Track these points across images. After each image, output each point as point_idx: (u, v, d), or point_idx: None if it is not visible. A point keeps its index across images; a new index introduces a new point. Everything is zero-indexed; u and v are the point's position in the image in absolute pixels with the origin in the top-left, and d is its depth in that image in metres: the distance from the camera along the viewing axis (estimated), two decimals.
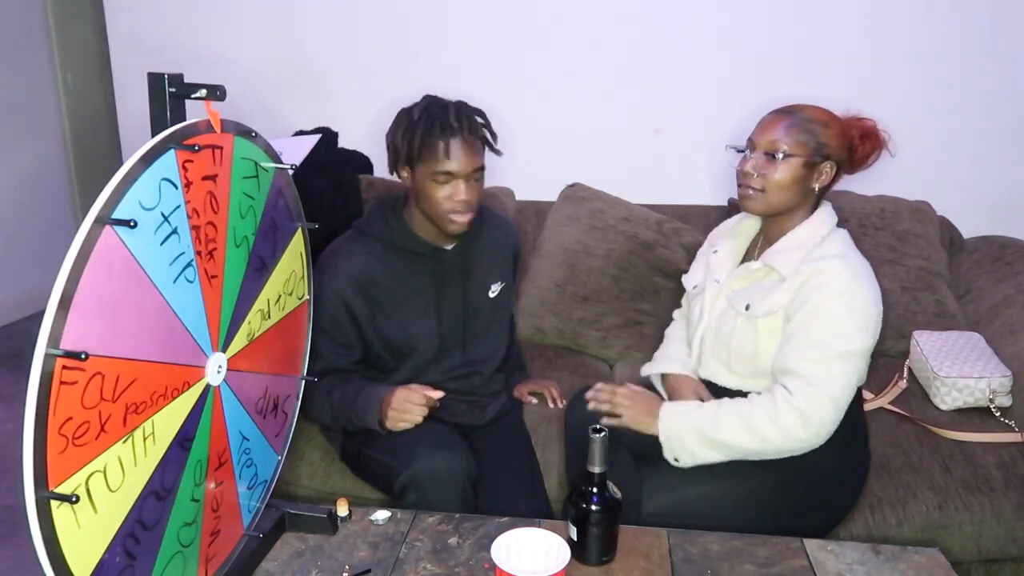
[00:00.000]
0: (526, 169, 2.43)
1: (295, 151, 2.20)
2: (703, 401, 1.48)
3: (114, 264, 0.78)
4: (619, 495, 1.16)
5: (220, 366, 1.00)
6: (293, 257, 1.19)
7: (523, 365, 1.96)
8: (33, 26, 3.56)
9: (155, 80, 0.92)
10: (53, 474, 0.73)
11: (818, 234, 1.43)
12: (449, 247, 1.60)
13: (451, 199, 1.46)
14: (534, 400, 1.85)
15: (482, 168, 1.49)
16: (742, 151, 1.46)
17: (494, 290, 1.67)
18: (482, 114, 1.51)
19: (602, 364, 2.18)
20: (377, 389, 1.51)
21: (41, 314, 0.71)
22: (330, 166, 2.30)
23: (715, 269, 1.57)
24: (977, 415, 1.80)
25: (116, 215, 0.78)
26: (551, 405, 1.84)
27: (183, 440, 0.93)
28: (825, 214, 1.47)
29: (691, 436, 1.39)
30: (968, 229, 2.38)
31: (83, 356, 0.72)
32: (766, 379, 1.44)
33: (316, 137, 2.34)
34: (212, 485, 1.02)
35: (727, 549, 1.21)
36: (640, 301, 2.21)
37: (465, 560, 1.18)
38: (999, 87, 2.34)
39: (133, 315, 0.82)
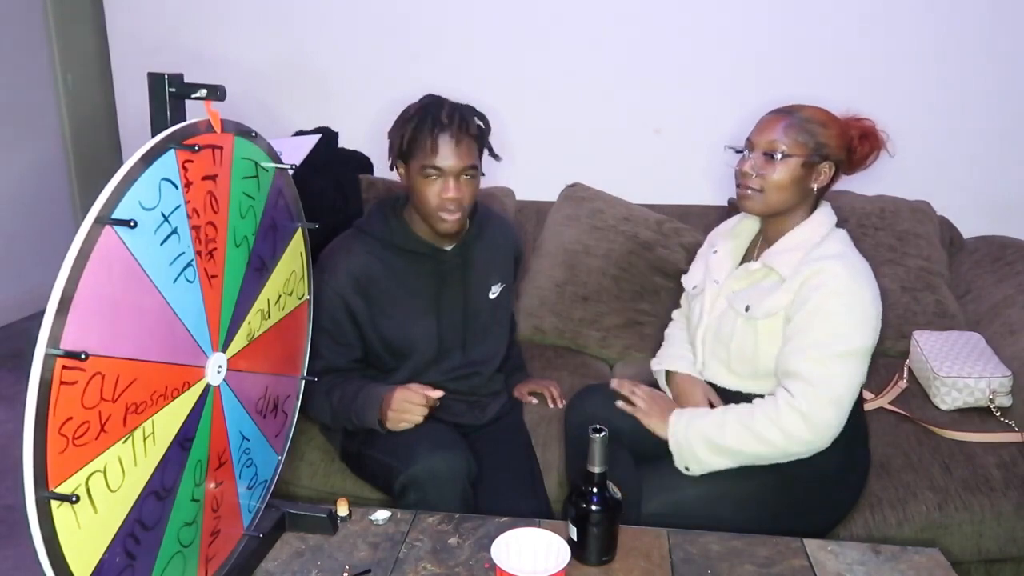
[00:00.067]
0: (526, 169, 2.44)
1: (295, 151, 2.20)
2: (713, 406, 1.48)
3: (114, 264, 0.78)
4: (619, 495, 1.16)
5: (220, 366, 1.00)
6: (293, 257, 1.19)
7: (523, 365, 1.96)
8: (33, 26, 3.56)
9: (155, 80, 0.92)
10: (53, 474, 0.73)
11: (817, 234, 1.43)
12: (449, 248, 1.60)
13: (440, 196, 1.46)
14: (534, 400, 1.85)
15: (474, 167, 1.48)
16: (740, 151, 1.46)
17: (494, 291, 1.67)
18: (483, 118, 1.51)
19: (602, 364, 2.18)
20: (376, 389, 1.51)
21: (41, 314, 0.71)
22: (330, 166, 2.30)
23: (714, 269, 1.57)
24: (977, 415, 1.80)
25: (116, 215, 0.78)
26: (551, 405, 1.84)
27: (183, 440, 0.93)
28: (824, 214, 1.46)
29: (700, 443, 1.39)
30: (968, 229, 2.38)
31: (83, 356, 0.72)
32: (766, 380, 1.44)
33: (316, 137, 2.34)
34: (212, 485, 1.02)
35: (727, 549, 1.21)
36: (640, 301, 2.22)
37: (465, 560, 1.18)
38: (999, 87, 2.34)
39: (133, 315, 0.82)
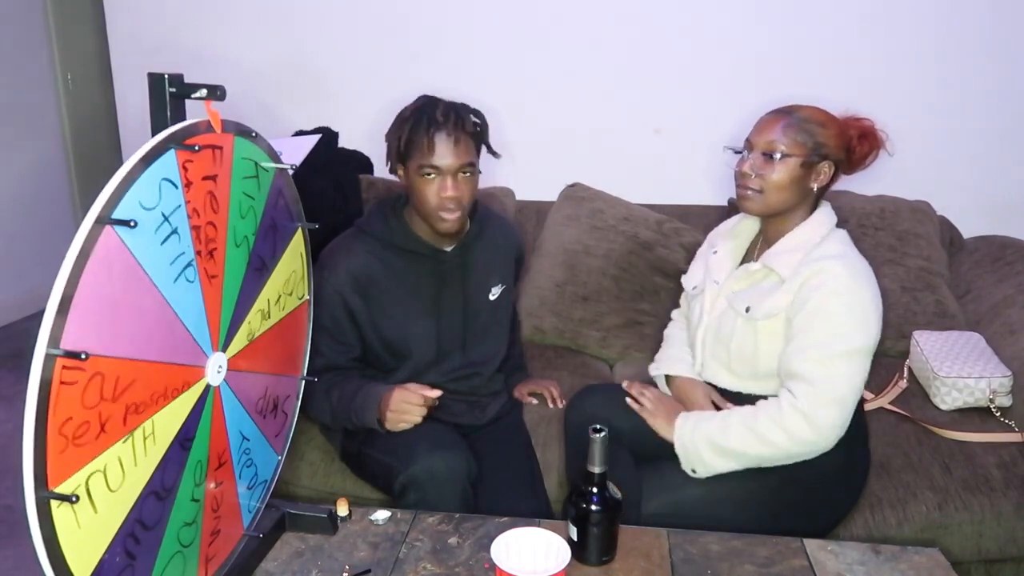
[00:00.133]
0: (526, 169, 2.44)
1: (295, 151, 2.20)
2: (717, 407, 1.48)
3: (114, 264, 0.78)
4: (619, 495, 1.16)
5: (220, 366, 1.00)
6: (293, 257, 1.19)
7: (524, 365, 1.96)
8: (33, 26, 3.56)
9: (155, 80, 0.92)
10: (53, 474, 0.73)
11: (817, 234, 1.43)
12: (449, 248, 1.60)
13: (439, 195, 1.46)
14: (534, 400, 1.85)
15: (472, 164, 1.48)
16: (740, 152, 1.46)
17: (494, 293, 1.67)
18: (479, 115, 1.51)
19: (602, 364, 2.18)
20: (376, 388, 1.51)
21: (41, 314, 0.71)
22: (330, 166, 2.30)
23: (714, 270, 1.57)
24: (977, 415, 1.80)
25: (116, 215, 0.78)
26: (551, 405, 1.84)
27: (183, 440, 0.93)
28: (824, 214, 1.46)
29: (705, 446, 1.39)
30: (968, 229, 2.38)
31: (83, 356, 0.72)
32: (766, 381, 1.44)
33: (316, 137, 2.34)
34: (212, 485, 1.02)
35: (727, 549, 1.21)
36: (640, 301, 2.22)
37: (465, 560, 1.18)
38: (999, 87, 2.34)
39: (133, 315, 0.82)
